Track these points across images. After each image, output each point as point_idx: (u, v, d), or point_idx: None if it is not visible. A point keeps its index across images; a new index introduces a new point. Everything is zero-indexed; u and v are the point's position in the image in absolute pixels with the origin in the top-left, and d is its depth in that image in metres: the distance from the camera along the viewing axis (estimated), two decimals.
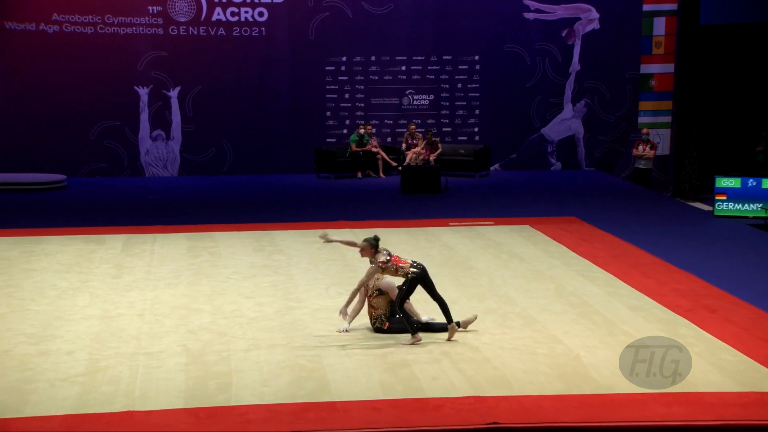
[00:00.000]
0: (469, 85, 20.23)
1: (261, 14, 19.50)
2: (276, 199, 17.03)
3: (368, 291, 8.72)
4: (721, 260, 11.91)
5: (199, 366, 7.89)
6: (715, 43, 19.30)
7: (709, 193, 16.37)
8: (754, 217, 14.86)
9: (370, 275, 8.50)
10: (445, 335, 8.56)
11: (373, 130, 19.58)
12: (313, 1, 19.62)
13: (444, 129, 20.22)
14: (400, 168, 18.51)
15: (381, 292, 8.61)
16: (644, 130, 18.87)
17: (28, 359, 8.04)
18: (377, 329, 8.68)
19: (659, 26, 19.80)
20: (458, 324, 8.67)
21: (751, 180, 15.04)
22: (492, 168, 20.09)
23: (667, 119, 19.91)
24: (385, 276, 8.61)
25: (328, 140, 19.95)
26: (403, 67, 20.07)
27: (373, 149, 19.26)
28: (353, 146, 19.20)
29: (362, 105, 20.07)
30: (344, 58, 19.91)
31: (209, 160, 19.68)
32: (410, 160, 18.42)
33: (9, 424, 6.75)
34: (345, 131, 19.96)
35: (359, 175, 19.19)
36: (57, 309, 9.57)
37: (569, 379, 7.59)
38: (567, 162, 20.47)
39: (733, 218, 14.86)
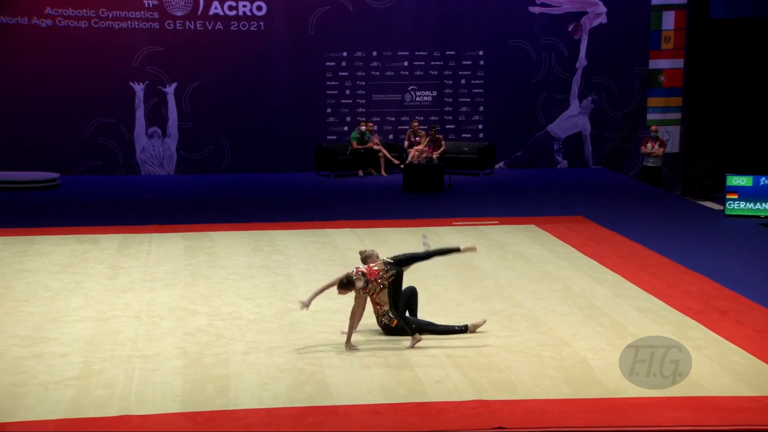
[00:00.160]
0: (473, 81, 20.23)
1: (259, 8, 19.52)
2: (275, 198, 17.04)
3: (377, 289, 8.61)
4: (733, 261, 11.91)
5: (196, 369, 7.89)
6: (726, 37, 19.28)
7: (719, 192, 16.35)
8: (766, 217, 14.86)
9: (360, 304, 8.48)
10: (448, 338, 8.57)
11: (375, 127, 19.59)
12: None
13: (447, 126, 20.22)
14: (402, 166, 18.51)
15: (383, 286, 8.54)
16: (653, 127, 18.87)
17: (21, 362, 8.05)
18: (385, 327, 8.64)
19: (668, 20, 19.79)
20: (466, 328, 8.71)
21: (763, 178, 15.03)
22: (496, 166, 20.09)
23: (677, 116, 19.90)
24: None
25: (328, 138, 19.96)
26: (406, 63, 20.07)
27: (375, 147, 19.27)
28: (354, 144, 19.21)
29: (363, 101, 20.08)
30: (345, 54, 19.91)
31: (206, 158, 19.69)
32: (413, 158, 18.43)
33: (1, 429, 6.76)
34: (346, 128, 19.97)
35: (360, 173, 19.20)
36: (51, 310, 9.58)
37: (576, 383, 7.59)
38: (573, 160, 20.47)
39: (744, 218, 14.86)
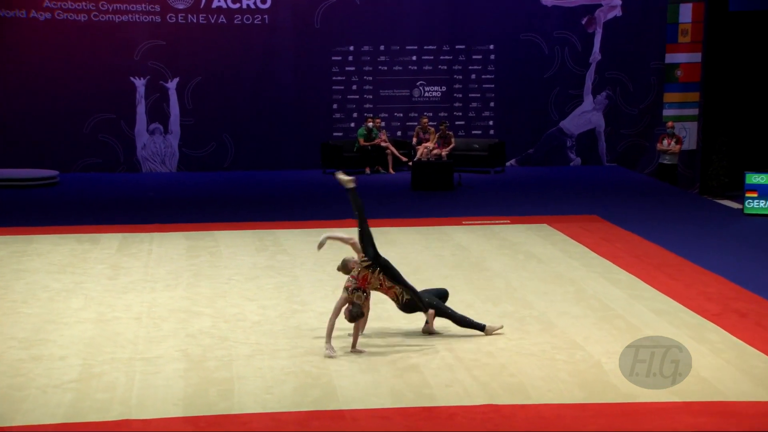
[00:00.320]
0: (483, 76, 20.22)
1: (263, 1, 19.53)
2: (280, 197, 17.05)
3: (378, 285, 8.66)
4: (752, 261, 11.88)
5: (199, 372, 7.90)
6: (746, 30, 19.23)
7: (738, 190, 16.32)
8: None
9: (365, 305, 8.49)
10: (457, 340, 8.57)
11: (383, 124, 19.59)
12: None
13: (457, 122, 20.21)
14: (410, 163, 18.52)
15: (380, 283, 8.56)
16: (669, 124, 18.83)
17: (19, 365, 8.06)
18: (406, 303, 8.65)
19: (685, 13, 19.74)
20: (484, 327, 8.77)
21: None
22: (508, 163, 20.08)
23: (694, 112, 19.86)
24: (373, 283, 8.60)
25: (334, 134, 19.97)
26: (414, 57, 20.07)
27: (382, 144, 19.27)
28: (361, 140, 19.21)
29: (371, 97, 20.08)
30: (352, 48, 19.91)
31: (209, 155, 19.72)
32: (421, 155, 18.42)
33: None
34: (352, 125, 19.98)
35: (368, 171, 19.20)
36: (49, 312, 9.59)
37: (590, 387, 7.58)
38: (587, 157, 20.44)
39: (764, 217, 14.81)
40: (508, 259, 11.81)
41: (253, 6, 19.51)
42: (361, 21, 19.84)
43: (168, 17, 19.28)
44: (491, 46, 20.15)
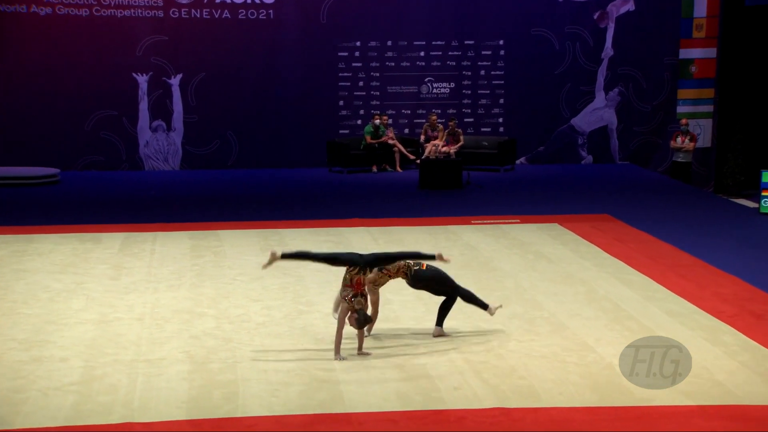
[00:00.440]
0: (492, 72, 20.20)
1: None
2: (285, 195, 17.06)
3: (387, 276, 8.74)
4: None
5: (202, 374, 7.91)
6: (762, 25, 19.17)
7: (754, 189, 16.28)
8: None
9: (373, 299, 8.54)
10: (466, 343, 8.57)
11: (390, 121, 19.59)
12: None
13: (466, 120, 20.20)
14: (418, 161, 18.51)
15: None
16: (683, 121, 18.79)
17: (20, 366, 8.09)
18: (417, 272, 8.70)
19: (700, 7, 19.69)
20: (487, 306, 8.93)
21: None
22: (518, 161, 20.06)
23: (709, 108, 19.81)
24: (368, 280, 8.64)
25: (340, 132, 19.98)
26: (422, 53, 20.06)
27: (390, 141, 19.27)
28: (368, 138, 19.22)
29: (378, 94, 20.08)
30: (358, 43, 19.92)
31: (213, 153, 19.74)
32: (429, 153, 18.42)
33: None
34: (359, 122, 19.98)
35: (374, 169, 19.20)
36: (50, 313, 9.62)
37: (602, 390, 7.58)
38: (599, 155, 20.42)
39: None
40: (518, 259, 11.81)
41: (257, 1, 19.53)
42: (368, 16, 19.83)
43: (171, 12, 19.30)
44: (501, 42, 20.13)
